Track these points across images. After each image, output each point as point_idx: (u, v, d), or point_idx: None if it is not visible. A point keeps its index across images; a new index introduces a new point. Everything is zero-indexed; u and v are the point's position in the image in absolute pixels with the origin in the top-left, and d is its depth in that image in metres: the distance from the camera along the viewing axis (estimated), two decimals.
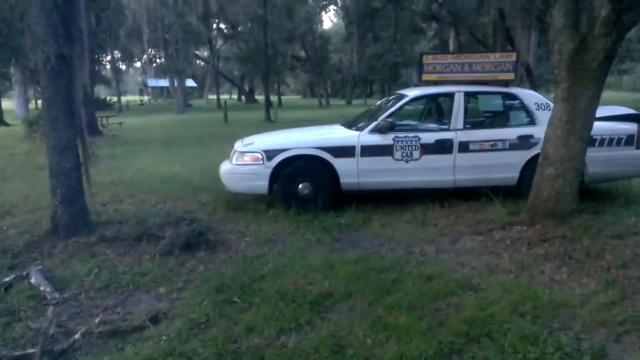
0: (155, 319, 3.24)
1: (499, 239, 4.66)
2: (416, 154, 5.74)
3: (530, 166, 5.62)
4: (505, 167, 5.81)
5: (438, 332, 3.00)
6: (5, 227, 5.31)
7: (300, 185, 5.71)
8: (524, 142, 5.79)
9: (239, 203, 6.12)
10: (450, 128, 5.87)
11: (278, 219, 5.47)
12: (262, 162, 5.72)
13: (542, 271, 3.90)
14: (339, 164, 5.71)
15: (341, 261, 4.16)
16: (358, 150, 5.71)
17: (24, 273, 3.93)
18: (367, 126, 5.90)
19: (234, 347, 2.91)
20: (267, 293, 3.55)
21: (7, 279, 3.85)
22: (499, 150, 5.80)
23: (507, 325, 3.02)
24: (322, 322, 3.17)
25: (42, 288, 3.69)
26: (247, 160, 5.81)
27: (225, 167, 6.08)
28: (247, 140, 6.32)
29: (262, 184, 5.73)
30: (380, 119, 5.85)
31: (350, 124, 6.47)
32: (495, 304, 3.33)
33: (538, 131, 5.64)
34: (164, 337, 3.02)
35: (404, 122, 6.20)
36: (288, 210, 5.61)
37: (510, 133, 5.86)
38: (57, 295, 3.61)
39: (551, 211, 4.95)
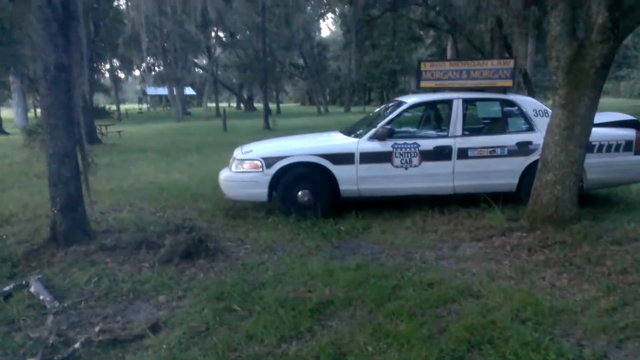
0: (155, 328, 3.23)
1: (499, 246, 4.66)
2: (415, 160, 5.75)
3: (529, 172, 5.63)
4: (504, 173, 5.82)
5: (439, 339, 2.99)
6: (4, 236, 5.29)
7: (299, 193, 5.72)
8: (523, 148, 5.81)
9: (239, 210, 6.12)
10: (449, 135, 5.89)
11: (277, 226, 5.47)
12: (261, 169, 5.72)
13: (542, 277, 3.90)
14: (338, 171, 5.72)
15: (341, 268, 4.15)
16: (357, 157, 5.72)
17: (24, 282, 3.92)
18: (366, 133, 5.91)
19: (234, 356, 2.90)
20: (267, 301, 3.54)
21: (6, 288, 3.84)
22: (497, 156, 5.81)
23: (509, 332, 3.01)
24: (323, 330, 3.16)
25: (41, 297, 3.68)
26: (246, 168, 5.81)
27: (224, 174, 6.08)
28: (247, 147, 6.33)
29: (261, 191, 5.73)
30: (379, 125, 5.87)
31: (349, 131, 6.48)
32: (496, 310, 3.32)
33: (536, 137, 5.67)
34: (164, 346, 3.01)
35: (403, 129, 6.22)
36: (287, 218, 5.62)
37: (509, 139, 5.88)
38: (56, 304, 3.60)
39: (551, 217, 4.95)
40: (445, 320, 3.24)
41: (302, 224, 5.45)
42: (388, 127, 5.82)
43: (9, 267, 4.38)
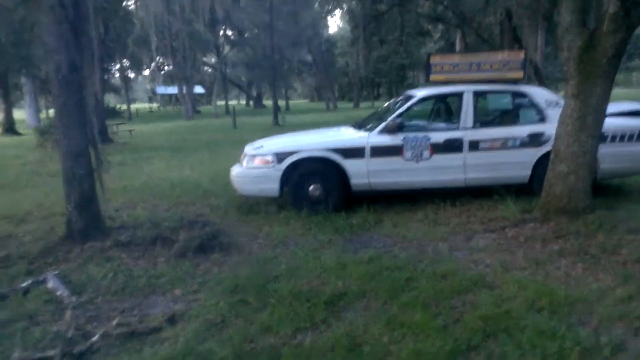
0: (172, 321, 3.27)
1: (512, 237, 4.64)
2: (426, 153, 5.73)
3: (542, 163, 5.60)
4: (517, 164, 5.79)
5: (454, 329, 3.00)
6: (20, 234, 5.36)
7: (310, 187, 5.73)
8: (535, 139, 5.77)
9: (250, 206, 6.15)
10: (460, 127, 5.86)
11: (289, 220, 5.49)
12: (272, 164, 5.74)
13: (557, 267, 3.88)
14: (349, 165, 5.72)
15: (354, 261, 4.16)
16: (368, 151, 5.72)
17: (41, 278, 3.98)
18: (376, 127, 5.91)
19: (250, 347, 2.93)
20: (282, 293, 3.56)
21: (24, 284, 3.89)
22: (509, 148, 5.78)
23: (524, 321, 3.01)
24: (338, 321, 3.18)
25: (59, 292, 3.73)
26: (257, 163, 5.84)
27: (236, 170, 6.11)
28: (258, 143, 6.35)
29: (273, 187, 5.76)
30: (389, 119, 5.85)
31: (359, 125, 6.48)
32: (511, 300, 3.32)
33: (549, 128, 5.63)
34: (181, 338, 3.04)
35: (413, 122, 6.21)
36: (299, 212, 5.63)
37: (521, 131, 5.84)
38: (74, 299, 3.64)
39: (564, 208, 4.92)
40: (460, 311, 3.24)
41: (313, 218, 5.46)
42: (398, 120, 5.81)
43: (26, 264, 4.43)
